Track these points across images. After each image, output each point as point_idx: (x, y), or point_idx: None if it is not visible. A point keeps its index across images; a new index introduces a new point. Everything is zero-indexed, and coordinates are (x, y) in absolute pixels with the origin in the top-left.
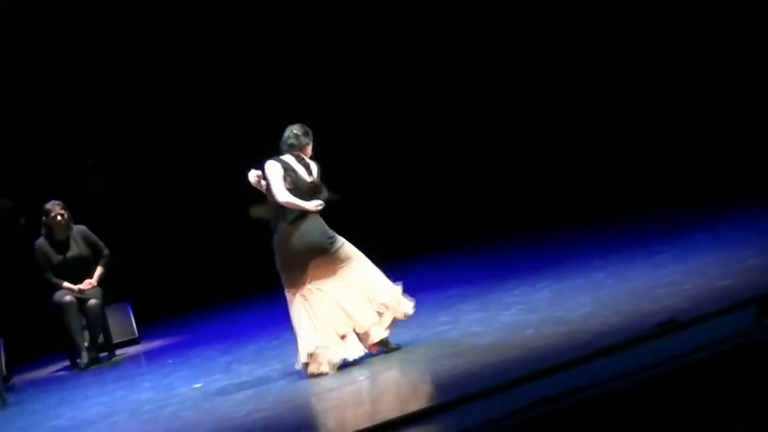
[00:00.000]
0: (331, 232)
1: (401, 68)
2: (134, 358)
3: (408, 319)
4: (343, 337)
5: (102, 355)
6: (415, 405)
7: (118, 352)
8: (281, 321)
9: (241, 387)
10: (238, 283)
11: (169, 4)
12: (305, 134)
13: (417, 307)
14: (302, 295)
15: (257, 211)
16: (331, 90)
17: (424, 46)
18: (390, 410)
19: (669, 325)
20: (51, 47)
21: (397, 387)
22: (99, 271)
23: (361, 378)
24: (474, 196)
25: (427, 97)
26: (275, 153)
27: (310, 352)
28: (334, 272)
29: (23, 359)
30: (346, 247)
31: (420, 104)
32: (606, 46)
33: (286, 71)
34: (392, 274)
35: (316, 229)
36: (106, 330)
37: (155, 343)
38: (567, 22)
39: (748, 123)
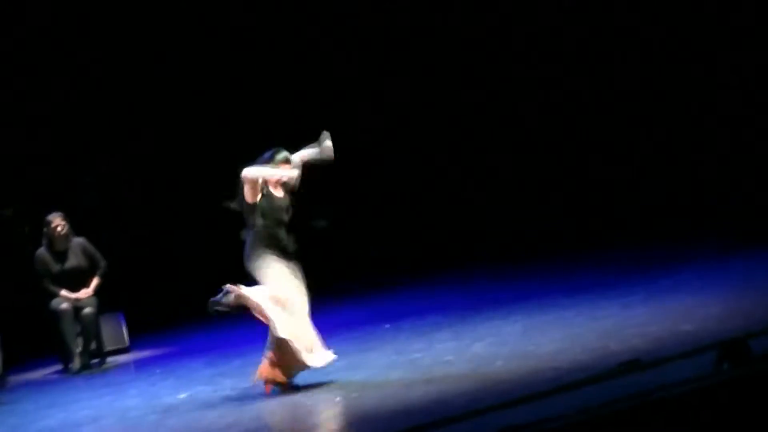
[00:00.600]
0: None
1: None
2: (124, 365)
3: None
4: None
5: (93, 361)
6: (383, 428)
7: (108, 359)
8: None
9: (223, 400)
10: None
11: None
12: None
13: (394, 332)
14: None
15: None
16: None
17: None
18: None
19: (633, 365)
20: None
21: (369, 410)
22: (95, 281)
23: (337, 399)
24: (453, 228)
25: (411, 131)
26: None
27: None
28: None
29: (18, 361)
30: None
31: (407, 136)
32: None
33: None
34: (370, 299)
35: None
36: (98, 337)
37: (145, 353)
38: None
39: (719, 173)
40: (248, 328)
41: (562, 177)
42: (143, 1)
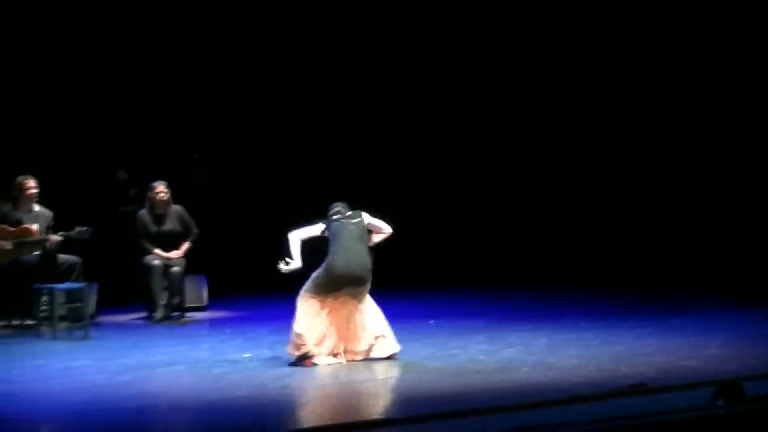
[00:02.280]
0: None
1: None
2: (200, 322)
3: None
4: (335, 354)
5: (174, 314)
6: (417, 411)
7: (187, 314)
8: None
9: (280, 364)
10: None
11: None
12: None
13: (436, 329)
14: (322, 302)
15: None
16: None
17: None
18: (394, 411)
19: (640, 388)
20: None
21: (406, 393)
22: (186, 245)
23: (380, 378)
24: (496, 245)
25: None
26: None
27: (304, 345)
28: (352, 299)
29: (110, 304)
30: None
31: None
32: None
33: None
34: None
35: (358, 262)
36: (181, 294)
37: (220, 313)
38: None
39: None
40: None
41: (599, 218)
42: None
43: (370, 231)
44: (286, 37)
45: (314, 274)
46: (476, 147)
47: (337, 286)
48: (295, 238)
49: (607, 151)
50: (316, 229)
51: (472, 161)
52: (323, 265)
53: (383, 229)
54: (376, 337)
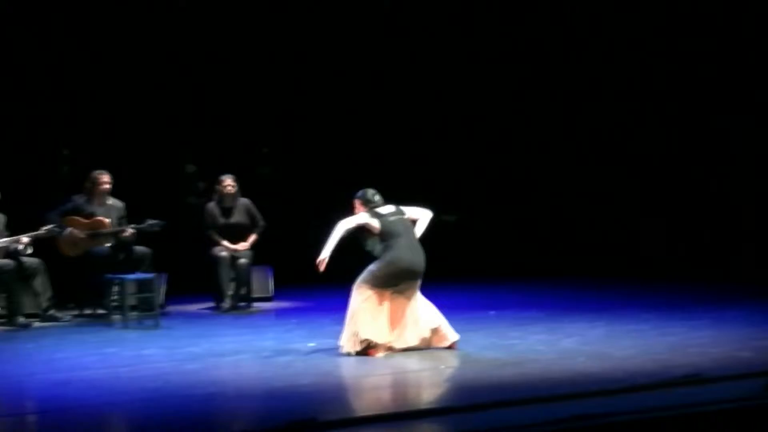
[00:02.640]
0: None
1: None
2: (266, 312)
3: (453, 348)
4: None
5: (241, 304)
6: (477, 399)
7: (254, 304)
8: None
9: (342, 353)
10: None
11: None
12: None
13: (497, 319)
14: (380, 295)
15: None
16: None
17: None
18: (454, 399)
19: (693, 378)
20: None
21: (466, 382)
22: (253, 237)
23: (441, 367)
24: (556, 237)
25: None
26: None
27: (366, 338)
28: (409, 292)
29: (179, 294)
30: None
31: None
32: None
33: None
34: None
35: (418, 255)
36: (248, 285)
37: (285, 304)
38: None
39: None
40: None
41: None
42: None
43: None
44: (351, 35)
45: (373, 268)
46: (534, 137)
47: (397, 280)
48: (342, 227)
49: (666, 142)
50: (364, 219)
51: (530, 151)
52: (385, 259)
53: (423, 216)
54: (433, 329)
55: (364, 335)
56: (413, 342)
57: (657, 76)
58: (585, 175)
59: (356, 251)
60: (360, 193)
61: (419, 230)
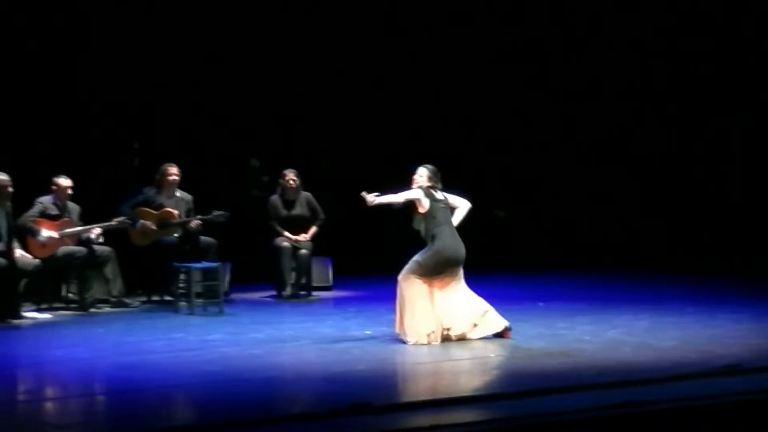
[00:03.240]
0: None
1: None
2: (325, 300)
3: (507, 337)
4: (447, 334)
5: (301, 292)
6: (525, 386)
7: (314, 293)
8: None
9: (398, 340)
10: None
11: None
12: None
13: (545, 310)
14: (429, 284)
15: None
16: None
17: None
18: (505, 385)
19: (734, 368)
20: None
21: (515, 369)
22: (313, 229)
23: (492, 355)
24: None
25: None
26: None
27: (429, 330)
28: (452, 280)
29: (242, 282)
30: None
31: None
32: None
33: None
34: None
35: (460, 243)
36: (308, 275)
37: (344, 293)
38: None
39: None
40: None
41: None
42: None
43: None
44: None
45: (419, 258)
46: (584, 132)
47: (443, 268)
48: (398, 196)
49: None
50: (417, 195)
51: (578, 147)
52: (432, 248)
53: (463, 206)
54: (484, 312)
55: (420, 325)
56: (466, 327)
57: (657, 76)
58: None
59: (410, 243)
60: (429, 166)
61: (456, 219)
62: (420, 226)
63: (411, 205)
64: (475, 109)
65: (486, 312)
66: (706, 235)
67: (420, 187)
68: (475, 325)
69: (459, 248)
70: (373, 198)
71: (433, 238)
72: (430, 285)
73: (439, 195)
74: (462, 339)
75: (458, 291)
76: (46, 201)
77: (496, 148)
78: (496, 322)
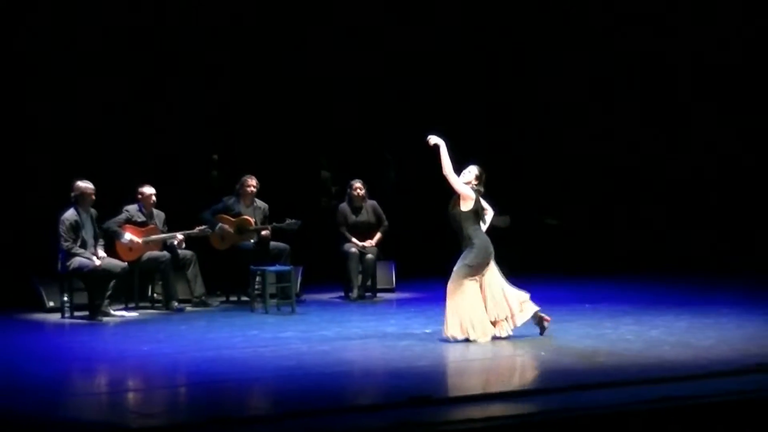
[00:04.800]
0: None
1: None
2: (389, 301)
3: (547, 320)
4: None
5: (367, 294)
6: (571, 382)
7: (378, 295)
8: None
9: (458, 341)
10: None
11: None
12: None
13: (591, 311)
14: (478, 282)
15: (497, 221)
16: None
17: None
18: (553, 381)
19: (765, 366)
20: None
21: (562, 366)
22: (378, 235)
23: (542, 353)
24: (645, 238)
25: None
26: None
27: (492, 324)
28: (490, 272)
29: (313, 284)
30: None
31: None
32: None
33: None
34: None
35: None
36: (374, 277)
37: (406, 294)
38: None
39: None
40: None
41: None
42: None
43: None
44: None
45: (468, 261)
46: (629, 136)
47: (488, 263)
48: (450, 169)
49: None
50: (468, 194)
51: (623, 151)
52: (475, 247)
53: (490, 211)
54: (521, 302)
55: (485, 322)
56: (510, 313)
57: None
58: (675, 171)
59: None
60: (478, 167)
61: (486, 224)
62: (457, 221)
63: (454, 196)
64: (530, 122)
65: (523, 301)
66: (747, 237)
67: (473, 189)
68: (521, 310)
69: (492, 246)
70: (438, 141)
71: (470, 238)
72: (479, 283)
73: (481, 198)
74: (512, 322)
75: (500, 281)
76: (132, 209)
77: (550, 162)
78: (531, 306)
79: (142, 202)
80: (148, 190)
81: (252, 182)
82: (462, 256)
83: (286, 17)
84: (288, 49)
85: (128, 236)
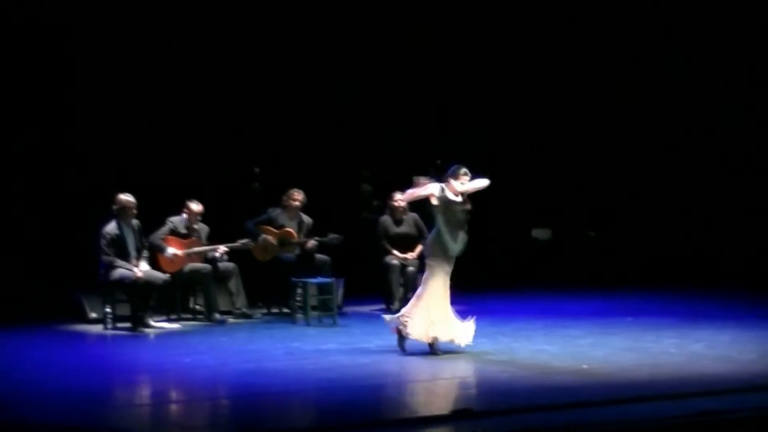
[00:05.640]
0: None
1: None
2: None
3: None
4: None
5: None
6: (612, 395)
7: None
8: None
9: (498, 351)
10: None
11: None
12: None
13: (634, 323)
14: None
15: (538, 233)
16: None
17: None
18: (595, 394)
19: None
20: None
21: (603, 379)
22: (419, 248)
23: (584, 366)
24: (688, 249)
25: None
26: None
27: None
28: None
29: (354, 296)
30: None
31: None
32: None
33: None
34: (620, 297)
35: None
36: (414, 290)
37: None
38: None
39: None
40: (527, 301)
41: None
42: None
43: None
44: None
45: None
46: (668, 154)
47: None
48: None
49: None
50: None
51: (665, 169)
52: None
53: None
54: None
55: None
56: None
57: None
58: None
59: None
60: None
61: None
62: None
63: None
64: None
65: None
66: None
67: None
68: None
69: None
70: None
71: None
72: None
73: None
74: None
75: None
76: (176, 221)
77: (591, 176)
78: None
79: (188, 216)
80: (196, 207)
81: (298, 196)
82: None
83: (334, 34)
84: (335, 65)
85: (171, 251)
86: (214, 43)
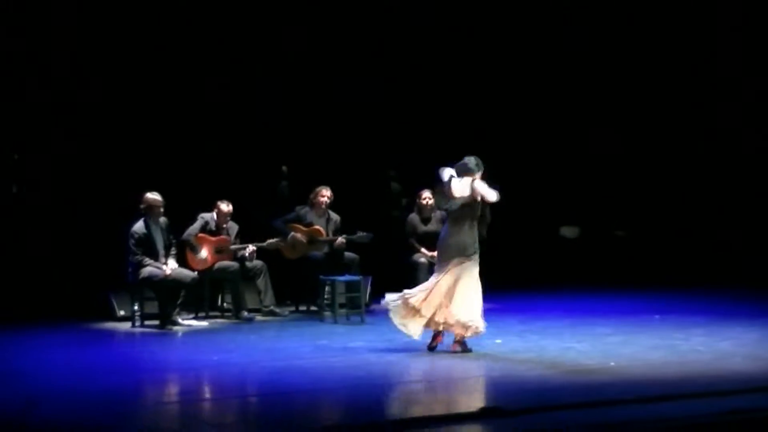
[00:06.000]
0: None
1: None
2: None
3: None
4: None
5: None
6: (639, 394)
7: None
8: (583, 308)
9: (528, 349)
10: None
11: None
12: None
13: (662, 321)
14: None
15: (567, 231)
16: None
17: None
18: (624, 392)
19: None
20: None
21: (633, 378)
22: None
23: (612, 363)
24: (717, 248)
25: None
26: None
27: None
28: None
29: (381, 294)
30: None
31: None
32: None
33: None
34: (648, 296)
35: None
36: None
37: None
38: None
39: None
40: (555, 299)
41: None
42: None
43: None
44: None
45: None
46: (696, 154)
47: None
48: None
49: None
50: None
51: (692, 162)
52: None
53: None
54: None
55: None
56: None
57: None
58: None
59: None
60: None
61: None
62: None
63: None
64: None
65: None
66: None
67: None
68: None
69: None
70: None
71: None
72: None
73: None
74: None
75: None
76: (208, 217)
77: (619, 176)
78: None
79: (218, 216)
80: (226, 207)
81: (326, 193)
82: None
83: (363, 34)
84: (362, 64)
85: (204, 252)
86: (242, 41)
